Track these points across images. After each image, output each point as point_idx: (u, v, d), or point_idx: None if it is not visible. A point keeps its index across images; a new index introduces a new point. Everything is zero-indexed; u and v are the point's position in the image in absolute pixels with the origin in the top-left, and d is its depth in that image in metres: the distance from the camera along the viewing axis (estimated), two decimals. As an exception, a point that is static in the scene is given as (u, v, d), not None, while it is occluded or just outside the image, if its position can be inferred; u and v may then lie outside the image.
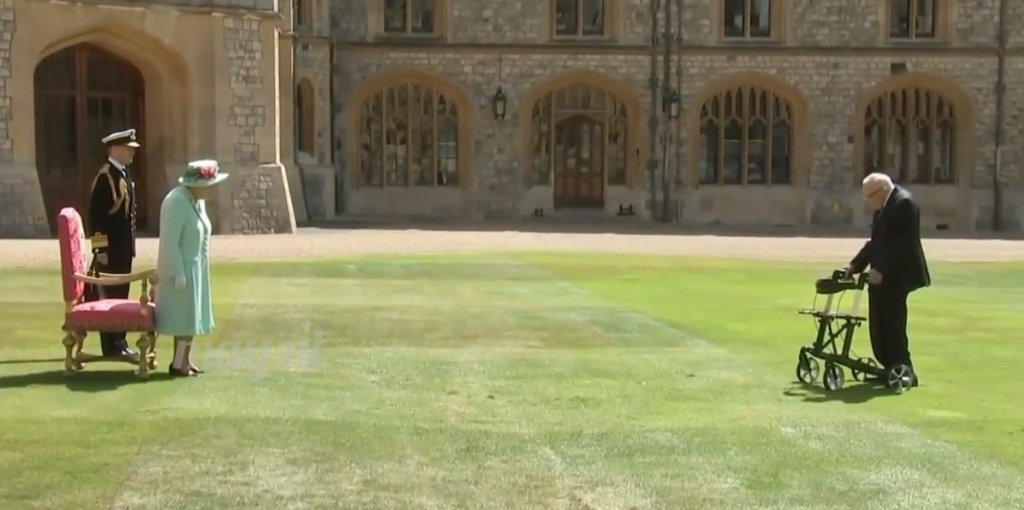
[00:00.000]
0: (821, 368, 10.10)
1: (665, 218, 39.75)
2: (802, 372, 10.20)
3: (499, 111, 38.92)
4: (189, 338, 10.02)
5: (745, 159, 40.78)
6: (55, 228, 10.75)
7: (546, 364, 10.97)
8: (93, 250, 10.42)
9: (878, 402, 9.47)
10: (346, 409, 8.72)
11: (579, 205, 39.91)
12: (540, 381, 10.08)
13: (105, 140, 10.80)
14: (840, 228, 37.94)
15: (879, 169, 40.96)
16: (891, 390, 9.90)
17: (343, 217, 37.17)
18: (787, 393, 9.77)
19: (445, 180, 40.13)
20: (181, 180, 10.04)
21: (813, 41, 39.79)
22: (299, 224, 31.34)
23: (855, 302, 10.25)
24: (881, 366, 10.18)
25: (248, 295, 16.10)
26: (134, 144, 10.69)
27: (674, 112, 39.41)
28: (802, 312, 10.58)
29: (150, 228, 10.25)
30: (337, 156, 38.48)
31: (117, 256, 10.50)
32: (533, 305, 15.65)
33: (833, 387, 9.83)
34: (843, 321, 10.16)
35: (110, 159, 10.64)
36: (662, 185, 39.88)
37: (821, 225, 39.22)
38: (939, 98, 40.75)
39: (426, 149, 40.12)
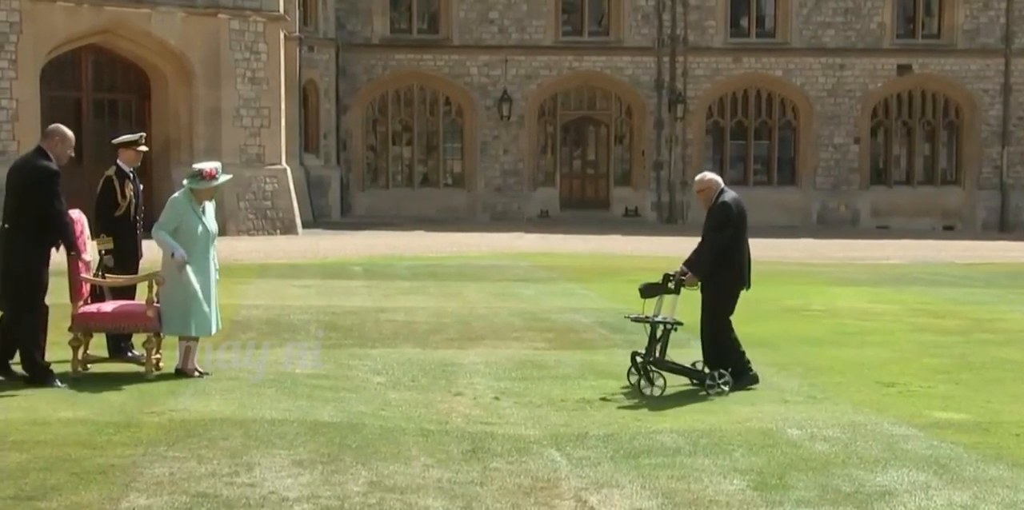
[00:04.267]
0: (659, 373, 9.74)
1: (671, 219, 39.73)
2: (632, 378, 9.89)
3: (505, 112, 38.90)
4: (194, 339, 10.03)
5: (751, 160, 40.72)
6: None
7: (552, 365, 10.96)
8: (99, 252, 10.42)
9: (884, 404, 9.44)
10: (352, 410, 8.72)
11: (585, 206, 39.87)
12: (546, 382, 10.08)
13: (114, 141, 10.81)
14: (846, 230, 37.92)
15: (884, 171, 41.07)
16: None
17: (349, 218, 37.19)
18: (793, 395, 9.75)
19: (451, 181, 40.14)
20: (185, 182, 10.08)
21: (819, 42, 39.75)
22: (305, 225, 31.35)
23: (672, 306, 10.09)
24: (706, 370, 9.94)
25: (254, 296, 16.11)
26: (143, 148, 10.70)
27: (679, 113, 39.39)
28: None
29: (156, 230, 10.35)
30: (343, 157, 38.51)
31: (123, 258, 10.51)
32: (539, 307, 15.64)
33: (648, 392, 9.52)
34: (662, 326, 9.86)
35: (118, 161, 10.65)
36: (668, 186, 39.86)
37: (827, 226, 39.15)
38: (945, 99, 40.68)
39: (432, 150, 40.12)
